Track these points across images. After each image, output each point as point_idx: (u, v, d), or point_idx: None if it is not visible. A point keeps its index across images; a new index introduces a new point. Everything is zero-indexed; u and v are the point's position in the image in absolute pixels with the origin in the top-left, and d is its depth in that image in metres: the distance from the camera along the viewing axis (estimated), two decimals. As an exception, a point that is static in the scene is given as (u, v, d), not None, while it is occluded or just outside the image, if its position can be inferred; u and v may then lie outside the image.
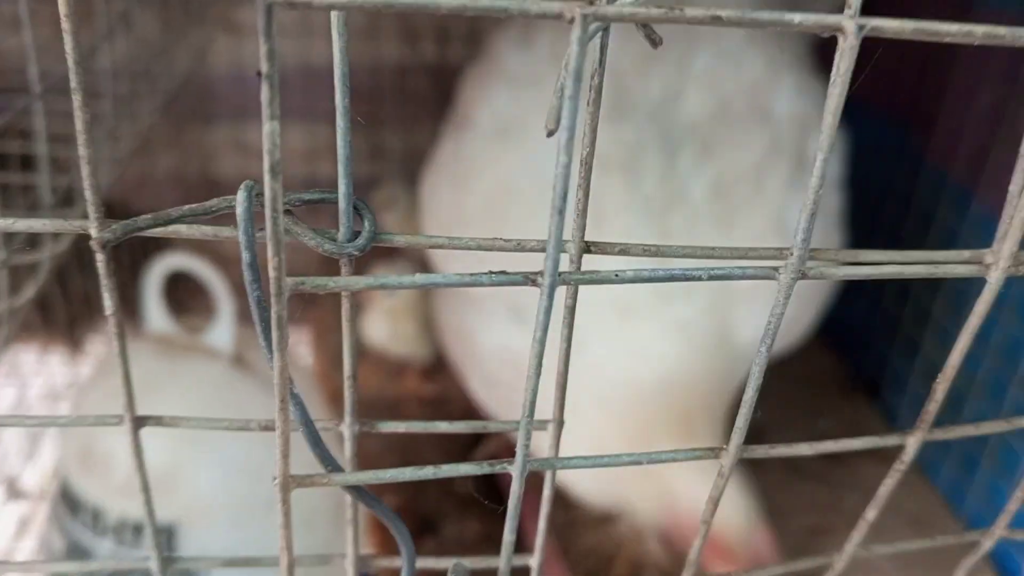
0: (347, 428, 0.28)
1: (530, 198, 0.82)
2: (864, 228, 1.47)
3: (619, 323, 0.80)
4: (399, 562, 0.32)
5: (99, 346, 1.08)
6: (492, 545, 1.08)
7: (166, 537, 0.71)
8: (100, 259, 0.26)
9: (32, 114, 0.56)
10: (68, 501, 0.74)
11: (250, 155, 1.75)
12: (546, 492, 0.29)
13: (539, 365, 0.24)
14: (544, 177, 0.77)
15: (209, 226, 0.26)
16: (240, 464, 0.73)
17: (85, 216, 0.25)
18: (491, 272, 0.23)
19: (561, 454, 0.29)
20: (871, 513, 0.31)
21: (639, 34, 0.24)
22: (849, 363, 1.54)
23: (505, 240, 0.24)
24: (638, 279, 0.23)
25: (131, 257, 1.08)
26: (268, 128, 0.20)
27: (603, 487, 0.85)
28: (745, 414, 0.27)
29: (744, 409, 0.27)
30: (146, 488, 0.31)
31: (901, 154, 1.42)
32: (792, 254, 0.24)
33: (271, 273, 0.21)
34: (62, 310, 0.98)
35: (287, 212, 0.26)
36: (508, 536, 0.27)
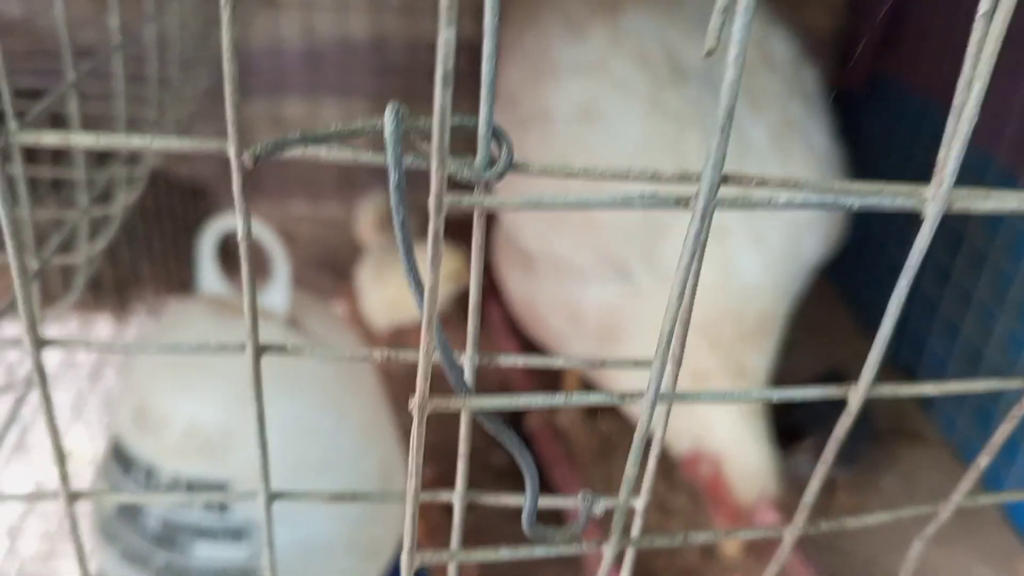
0: (468, 359, 0.28)
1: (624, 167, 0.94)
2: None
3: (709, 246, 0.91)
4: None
5: (144, 311, 1.09)
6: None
7: (220, 490, 0.71)
8: (237, 181, 0.25)
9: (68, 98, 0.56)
10: (121, 460, 0.74)
11: (285, 129, 1.75)
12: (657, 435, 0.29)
13: (682, 293, 0.24)
14: (632, 147, 0.95)
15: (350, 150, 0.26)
16: (294, 425, 0.74)
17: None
18: (642, 196, 0.23)
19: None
20: (983, 460, 0.30)
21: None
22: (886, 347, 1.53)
23: (640, 171, 0.24)
24: (791, 205, 0.23)
25: (184, 222, 1.08)
26: (445, 36, 0.20)
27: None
28: (879, 350, 0.26)
29: (878, 345, 0.26)
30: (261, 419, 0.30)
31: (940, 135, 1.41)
32: (937, 187, 0.24)
33: (433, 188, 0.21)
34: (110, 277, 0.99)
35: (425, 137, 0.25)
36: (630, 469, 0.27)
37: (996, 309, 1.23)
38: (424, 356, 0.24)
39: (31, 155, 0.72)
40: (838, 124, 1.27)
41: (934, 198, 0.23)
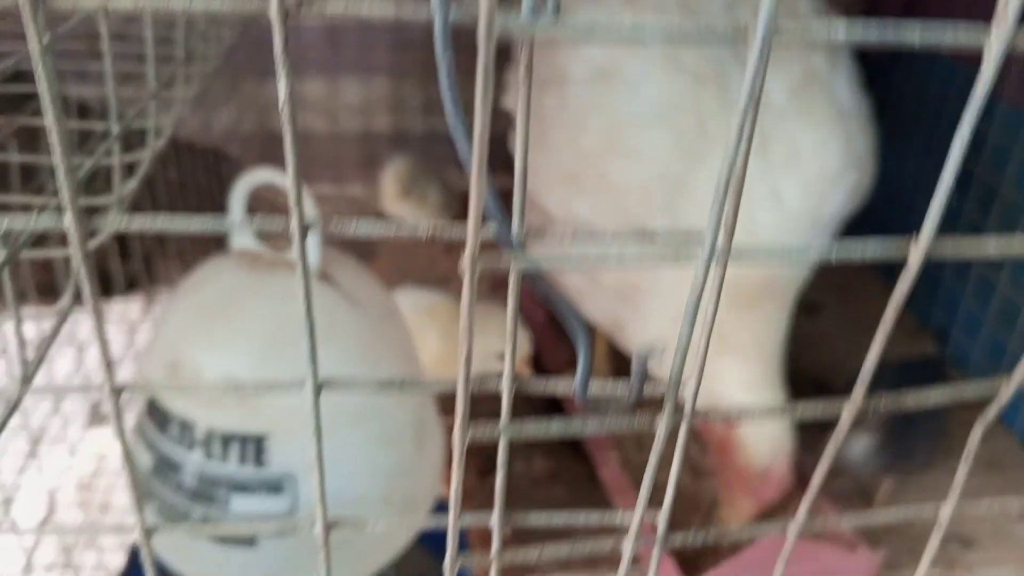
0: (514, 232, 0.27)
1: (640, 128, 0.94)
2: (937, 165, 1.44)
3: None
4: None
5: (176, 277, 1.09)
6: (559, 482, 1.07)
7: (255, 446, 0.71)
8: (278, 32, 0.25)
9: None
10: (155, 416, 0.74)
11: (306, 109, 1.75)
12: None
13: (743, 168, 0.23)
14: (650, 106, 0.94)
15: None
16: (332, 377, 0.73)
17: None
18: (699, 28, 0.22)
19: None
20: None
21: None
22: (916, 307, 1.52)
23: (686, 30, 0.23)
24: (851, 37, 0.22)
25: (209, 193, 1.08)
26: None
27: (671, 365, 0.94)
28: (940, 199, 0.25)
29: (939, 195, 0.25)
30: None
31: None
32: (999, 27, 0.23)
33: (483, 13, 0.20)
34: (137, 251, 0.99)
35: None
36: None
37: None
38: (475, 208, 0.23)
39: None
40: (863, 76, 1.26)
41: (998, 38, 0.22)
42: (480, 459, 1.16)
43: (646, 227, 0.95)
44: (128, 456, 0.30)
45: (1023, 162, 1.25)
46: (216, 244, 1.21)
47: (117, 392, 0.31)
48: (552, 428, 0.28)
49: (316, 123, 1.76)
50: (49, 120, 0.25)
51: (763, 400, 0.93)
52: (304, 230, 0.29)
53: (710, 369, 0.91)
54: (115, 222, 0.29)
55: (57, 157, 0.27)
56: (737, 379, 0.93)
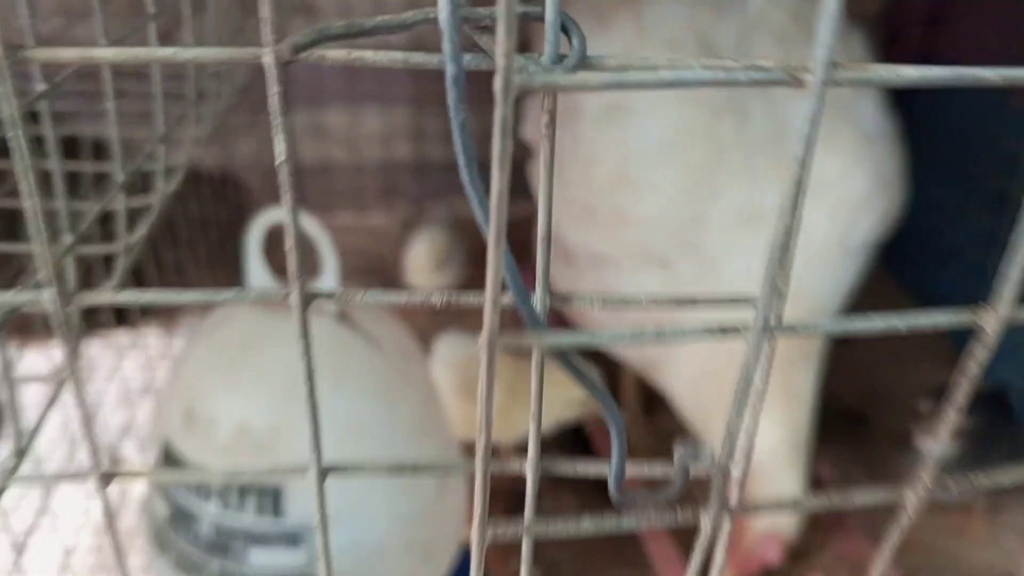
0: (539, 299, 0.25)
1: (653, 161, 0.93)
2: (965, 187, 1.41)
3: (751, 232, 0.92)
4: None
5: (192, 318, 1.07)
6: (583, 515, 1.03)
7: (272, 498, 0.68)
8: (274, 80, 0.22)
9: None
10: (170, 462, 0.72)
11: (327, 140, 1.74)
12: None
13: (797, 193, 0.20)
14: (661, 139, 0.93)
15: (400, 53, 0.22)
16: (345, 419, 0.71)
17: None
18: (750, 68, 0.19)
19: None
20: None
21: None
22: (955, 336, 1.47)
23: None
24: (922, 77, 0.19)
25: (228, 228, 1.07)
26: None
27: (693, 410, 0.97)
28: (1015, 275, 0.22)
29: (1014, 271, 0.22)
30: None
31: (985, 99, 1.35)
32: None
33: (499, 61, 0.18)
34: (155, 283, 0.97)
35: (484, 29, 0.22)
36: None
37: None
38: (492, 282, 0.20)
39: (71, 150, 0.70)
40: (890, 96, 1.22)
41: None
42: (506, 497, 1.13)
43: (665, 256, 0.93)
44: (118, 549, 0.28)
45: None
46: (236, 271, 1.20)
47: (105, 478, 0.28)
48: (583, 526, 0.25)
49: (337, 153, 1.75)
50: (25, 199, 0.23)
51: (788, 455, 0.89)
52: (307, 300, 0.26)
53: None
54: (101, 296, 0.27)
55: (33, 234, 0.24)
56: (766, 427, 0.89)
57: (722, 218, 0.91)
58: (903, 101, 1.57)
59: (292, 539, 0.69)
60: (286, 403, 0.69)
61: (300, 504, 0.69)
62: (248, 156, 1.55)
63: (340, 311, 0.72)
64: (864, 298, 1.50)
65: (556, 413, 1.04)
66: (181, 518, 0.71)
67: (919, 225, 1.51)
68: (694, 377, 0.95)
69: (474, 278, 1.46)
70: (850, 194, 0.95)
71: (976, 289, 1.25)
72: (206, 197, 1.20)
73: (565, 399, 1.03)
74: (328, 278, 0.71)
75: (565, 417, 1.06)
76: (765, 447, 0.90)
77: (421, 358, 0.82)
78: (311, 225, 0.70)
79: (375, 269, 1.68)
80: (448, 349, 1.06)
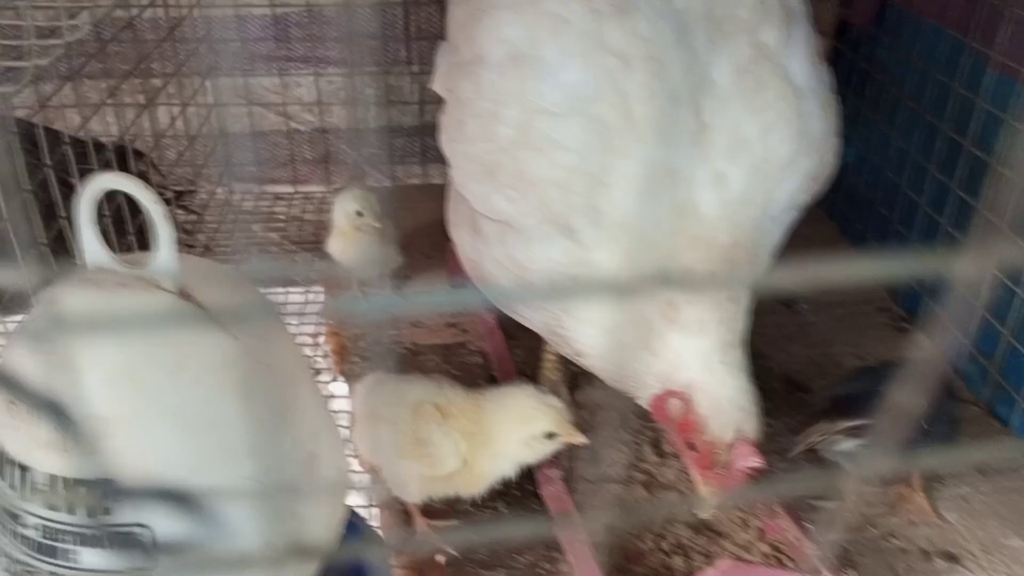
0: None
1: (557, 117, 0.85)
2: (924, 134, 1.34)
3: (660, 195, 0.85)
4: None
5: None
6: (502, 499, 0.96)
7: (101, 496, 0.62)
8: None
9: None
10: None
11: (257, 105, 1.65)
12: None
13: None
14: (568, 94, 0.85)
15: None
16: (190, 412, 0.64)
17: None
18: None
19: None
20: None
21: None
22: (904, 306, 1.42)
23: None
24: None
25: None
26: None
27: (613, 360, 0.89)
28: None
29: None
30: None
31: (944, 42, 1.29)
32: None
33: None
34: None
35: None
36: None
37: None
38: None
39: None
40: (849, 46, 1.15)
41: None
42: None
43: (568, 223, 0.86)
44: None
45: (1012, 131, 1.14)
46: (144, 240, 1.13)
47: None
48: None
49: (270, 119, 1.67)
50: None
51: (723, 363, 0.82)
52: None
53: (664, 348, 0.78)
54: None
55: None
56: (691, 345, 0.84)
57: (630, 181, 0.84)
58: (866, 47, 1.50)
59: (125, 540, 0.63)
60: (117, 393, 0.63)
61: (132, 501, 0.63)
62: (148, 126, 1.48)
63: (181, 288, 0.66)
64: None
65: (515, 453, 0.95)
66: (6, 519, 0.64)
67: (895, 195, 1.45)
68: (602, 333, 0.89)
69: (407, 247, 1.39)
70: (772, 152, 0.88)
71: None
72: (109, 167, 1.13)
73: (524, 437, 0.95)
74: (163, 253, 0.65)
75: (525, 458, 0.96)
76: (694, 356, 0.84)
77: (287, 341, 0.75)
78: (140, 191, 0.63)
79: (311, 239, 1.61)
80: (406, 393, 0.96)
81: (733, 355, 0.84)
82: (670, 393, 0.84)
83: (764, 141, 0.87)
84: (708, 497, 0.85)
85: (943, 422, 0.99)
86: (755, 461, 0.81)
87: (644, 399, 0.88)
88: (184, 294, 0.66)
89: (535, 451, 0.95)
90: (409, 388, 0.97)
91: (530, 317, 0.99)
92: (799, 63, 0.92)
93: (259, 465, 0.67)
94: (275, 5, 1.59)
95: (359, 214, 1.25)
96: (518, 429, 0.94)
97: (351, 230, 1.28)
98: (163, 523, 0.63)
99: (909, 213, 1.38)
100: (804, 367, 1.27)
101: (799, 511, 0.97)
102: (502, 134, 0.87)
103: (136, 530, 0.63)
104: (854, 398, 0.97)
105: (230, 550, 0.66)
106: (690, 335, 0.84)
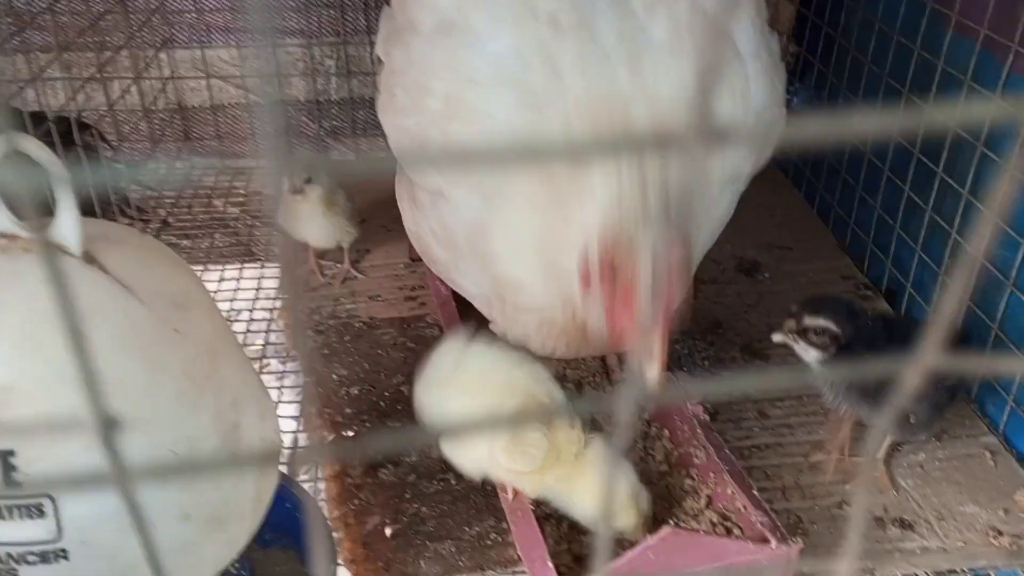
0: None
1: (487, 87, 0.84)
2: (887, 99, 1.32)
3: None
4: None
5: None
6: (452, 472, 0.94)
7: (1, 464, 0.60)
8: None
9: None
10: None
11: (215, 78, 1.62)
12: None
13: None
14: (497, 61, 0.84)
15: None
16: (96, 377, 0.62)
17: None
18: None
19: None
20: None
21: None
22: (865, 267, 1.40)
23: None
24: None
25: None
26: None
27: (546, 266, 0.86)
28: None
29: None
30: None
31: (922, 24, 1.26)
32: None
33: None
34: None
35: None
36: None
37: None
38: None
39: None
40: (810, 19, 1.12)
41: None
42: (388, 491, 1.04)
43: (484, 186, 0.84)
44: None
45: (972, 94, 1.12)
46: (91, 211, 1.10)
47: None
48: None
49: (227, 93, 1.64)
50: None
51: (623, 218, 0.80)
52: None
53: (579, 221, 0.80)
54: None
55: None
56: (598, 208, 0.80)
57: (559, 144, 0.81)
58: (833, 13, 1.47)
59: (33, 510, 0.61)
60: (17, 359, 0.61)
61: (37, 469, 0.61)
62: (93, 94, 1.45)
63: (85, 252, 0.64)
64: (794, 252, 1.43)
65: (576, 501, 0.88)
66: None
67: (843, 149, 1.43)
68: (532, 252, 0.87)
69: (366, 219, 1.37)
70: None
71: (912, 249, 1.14)
72: (55, 138, 1.10)
73: (593, 502, 0.86)
74: (64, 216, 0.63)
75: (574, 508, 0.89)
76: (594, 203, 0.81)
77: (207, 309, 0.73)
78: (40, 152, 0.61)
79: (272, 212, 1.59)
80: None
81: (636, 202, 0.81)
82: (587, 254, 0.81)
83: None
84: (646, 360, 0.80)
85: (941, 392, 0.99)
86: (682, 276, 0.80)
87: (578, 295, 0.85)
88: (89, 258, 0.64)
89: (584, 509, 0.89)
90: (518, 371, 0.89)
91: (472, 288, 0.97)
92: (745, 31, 0.90)
93: (171, 434, 0.65)
94: (230, -25, 1.55)
95: (307, 182, 1.23)
96: (595, 497, 0.86)
97: (298, 199, 1.26)
98: (69, 495, 0.61)
99: (873, 181, 1.36)
100: (764, 335, 1.26)
101: (748, 481, 0.95)
102: (431, 107, 0.86)
103: (42, 502, 0.61)
104: (821, 301, 0.98)
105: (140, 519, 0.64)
106: (594, 198, 0.81)
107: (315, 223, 1.26)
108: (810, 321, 0.94)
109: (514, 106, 0.82)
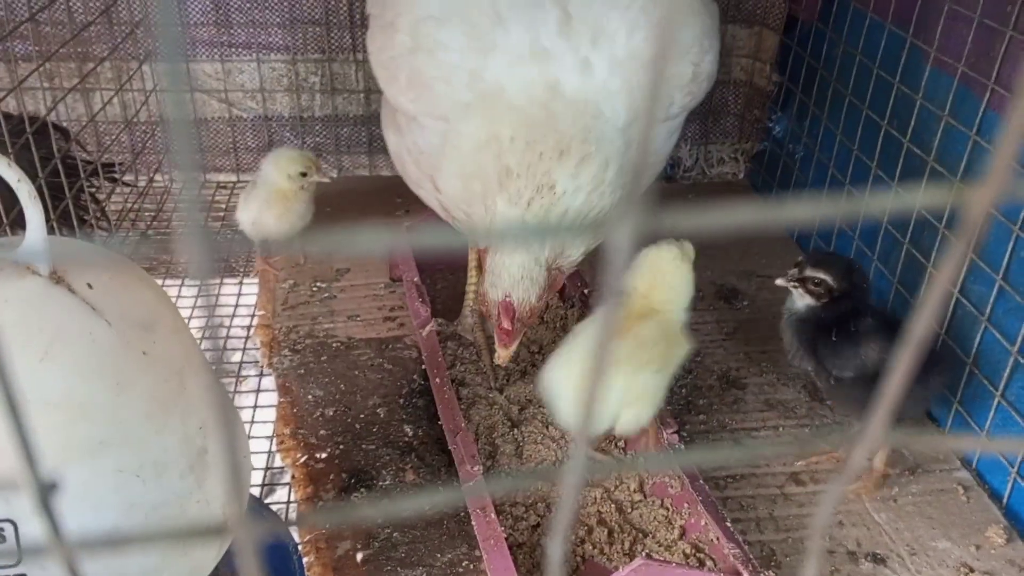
0: None
1: (442, 19, 0.99)
2: (867, 126, 1.33)
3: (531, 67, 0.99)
4: None
5: None
6: (425, 496, 0.93)
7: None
8: None
9: None
10: None
11: (199, 92, 1.61)
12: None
13: None
14: (444, 3, 0.99)
15: None
16: (59, 398, 0.61)
17: None
18: None
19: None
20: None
21: None
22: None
23: None
24: None
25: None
26: None
27: (463, 204, 1.02)
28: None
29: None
30: None
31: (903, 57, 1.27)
32: None
33: None
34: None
35: None
36: None
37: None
38: None
39: None
40: (793, 49, 1.12)
41: None
42: (344, 472, 1.05)
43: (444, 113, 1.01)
44: None
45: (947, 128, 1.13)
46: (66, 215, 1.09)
47: None
48: None
49: (211, 107, 1.63)
50: None
51: (515, 246, 0.97)
52: None
53: (492, 208, 0.95)
54: None
55: None
56: (504, 222, 0.97)
57: (498, 72, 0.97)
58: (816, 44, 1.48)
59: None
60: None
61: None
62: (76, 105, 1.44)
63: (53, 272, 0.63)
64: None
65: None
66: None
67: (824, 177, 1.44)
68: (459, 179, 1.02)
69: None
70: (639, 52, 0.97)
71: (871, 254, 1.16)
72: (28, 143, 1.09)
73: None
74: (32, 235, 0.62)
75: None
76: (504, 227, 0.97)
77: (177, 331, 0.72)
78: (8, 172, 0.60)
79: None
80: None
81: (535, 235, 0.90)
82: (483, 250, 0.99)
83: (629, 37, 0.97)
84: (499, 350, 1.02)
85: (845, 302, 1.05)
86: (506, 324, 0.97)
87: (476, 211, 1.00)
88: (56, 278, 0.63)
89: None
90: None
91: (431, 201, 1.11)
92: None
93: (137, 458, 0.64)
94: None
95: (303, 174, 1.24)
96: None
97: (294, 192, 1.26)
98: (29, 519, 0.60)
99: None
100: (741, 364, 1.26)
101: (721, 512, 0.95)
102: (399, 41, 1.03)
103: (2, 527, 0.60)
104: (826, 256, 1.12)
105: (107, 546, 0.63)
106: (511, 204, 0.95)
107: (307, 215, 1.30)
108: (811, 272, 1.03)
109: (462, 37, 0.98)
